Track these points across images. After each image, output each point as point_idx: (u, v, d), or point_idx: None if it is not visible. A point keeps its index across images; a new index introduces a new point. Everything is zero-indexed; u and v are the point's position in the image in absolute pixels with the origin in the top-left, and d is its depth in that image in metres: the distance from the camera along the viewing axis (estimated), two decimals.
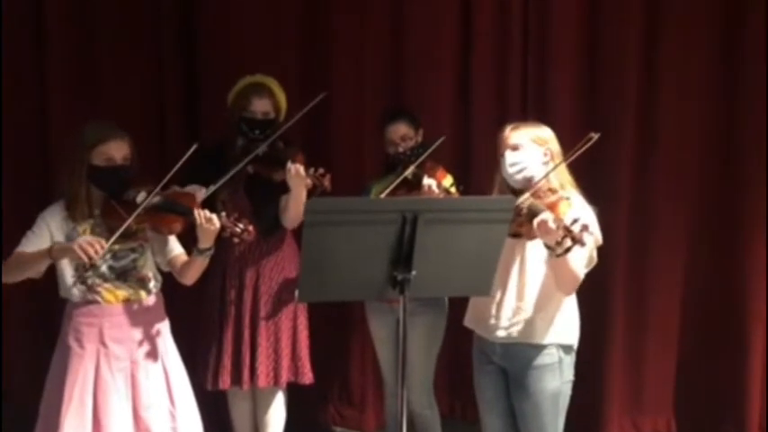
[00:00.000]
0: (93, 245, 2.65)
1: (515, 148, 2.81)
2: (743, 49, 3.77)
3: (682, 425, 4.05)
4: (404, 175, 3.30)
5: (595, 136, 2.66)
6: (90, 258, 2.64)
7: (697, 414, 4.00)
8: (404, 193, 3.32)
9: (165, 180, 2.83)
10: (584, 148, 2.71)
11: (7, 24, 3.98)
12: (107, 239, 2.82)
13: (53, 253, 2.74)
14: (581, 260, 2.71)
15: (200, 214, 2.82)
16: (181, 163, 2.82)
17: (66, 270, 2.86)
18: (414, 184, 3.30)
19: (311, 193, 3.25)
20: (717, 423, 3.96)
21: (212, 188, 3.05)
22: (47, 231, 2.84)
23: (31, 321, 4.06)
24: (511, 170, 2.80)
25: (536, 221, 2.55)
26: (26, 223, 2.91)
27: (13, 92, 4.03)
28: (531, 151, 2.81)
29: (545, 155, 2.83)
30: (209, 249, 2.89)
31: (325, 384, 4.03)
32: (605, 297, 3.90)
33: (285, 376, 3.47)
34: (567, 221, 2.49)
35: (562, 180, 2.83)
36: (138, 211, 2.78)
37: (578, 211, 2.67)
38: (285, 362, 3.46)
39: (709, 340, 3.96)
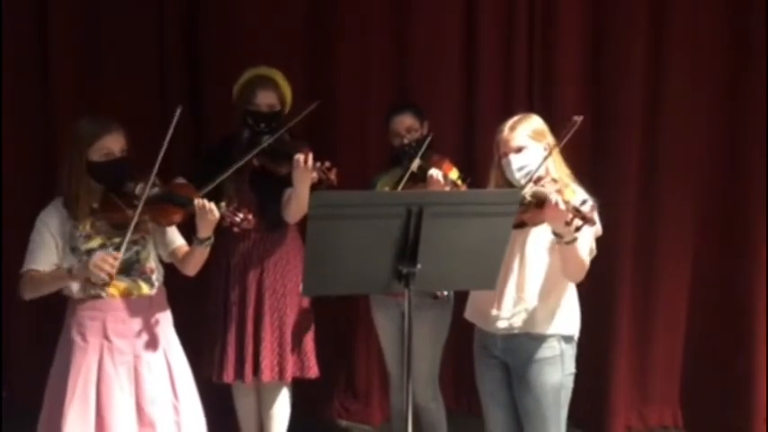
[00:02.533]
0: (107, 260, 2.68)
1: (519, 150, 2.81)
2: (749, 37, 3.76)
3: (688, 416, 4.05)
4: (411, 169, 3.28)
5: (579, 119, 2.64)
6: (109, 275, 2.67)
7: (703, 405, 4.00)
8: (410, 185, 3.30)
9: (158, 158, 2.78)
10: (570, 133, 2.69)
11: (9, 24, 3.97)
12: (108, 234, 2.84)
13: (73, 276, 2.78)
14: (586, 246, 2.71)
15: (199, 204, 2.81)
16: (170, 134, 2.77)
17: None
18: (420, 177, 3.28)
19: (316, 187, 3.22)
20: (723, 414, 3.95)
21: (218, 179, 3.01)
22: (49, 237, 2.83)
23: (32, 320, 4.04)
24: (519, 174, 2.80)
25: (546, 204, 2.55)
26: (27, 223, 2.89)
27: (16, 90, 4.02)
28: (534, 150, 2.81)
29: (545, 149, 2.84)
30: (208, 239, 2.88)
31: (331, 378, 4.03)
32: (611, 289, 3.90)
33: (290, 371, 3.46)
34: (576, 203, 2.50)
35: (561, 174, 2.84)
36: (141, 204, 2.76)
37: (584, 194, 2.68)
38: (290, 356, 3.45)
39: (715, 331, 3.96)
